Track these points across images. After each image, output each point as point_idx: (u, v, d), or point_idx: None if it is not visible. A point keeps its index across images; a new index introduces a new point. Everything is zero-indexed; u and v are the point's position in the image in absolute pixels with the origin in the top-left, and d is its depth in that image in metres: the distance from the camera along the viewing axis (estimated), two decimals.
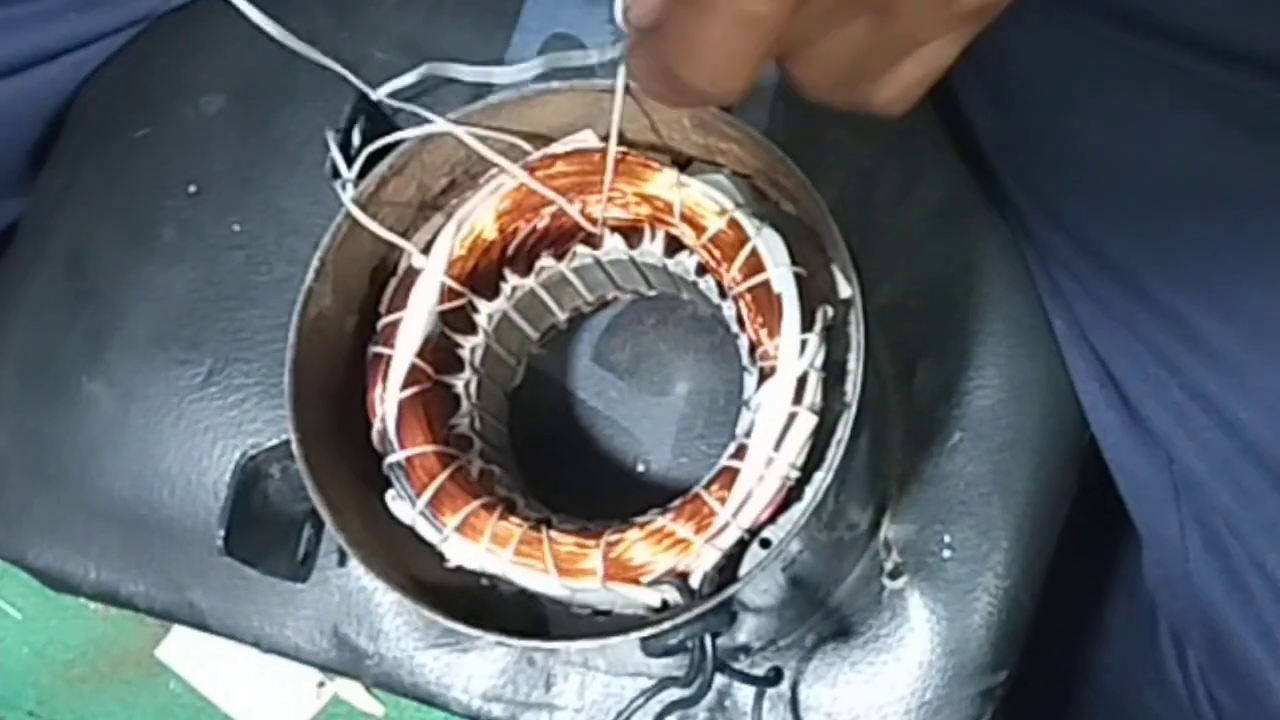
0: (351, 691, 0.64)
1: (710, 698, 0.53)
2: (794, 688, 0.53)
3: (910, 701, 0.53)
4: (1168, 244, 0.49)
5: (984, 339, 0.55)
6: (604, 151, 0.45)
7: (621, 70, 0.43)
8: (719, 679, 0.42)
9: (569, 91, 0.45)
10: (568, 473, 0.54)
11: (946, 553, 0.53)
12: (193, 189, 0.60)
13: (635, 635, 0.41)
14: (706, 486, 0.44)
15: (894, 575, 0.53)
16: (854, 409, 0.42)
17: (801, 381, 0.43)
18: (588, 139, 0.46)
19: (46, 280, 0.60)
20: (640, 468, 0.54)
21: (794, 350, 0.43)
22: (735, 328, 0.45)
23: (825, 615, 0.53)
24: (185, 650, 0.64)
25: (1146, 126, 0.49)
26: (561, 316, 0.53)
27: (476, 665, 0.55)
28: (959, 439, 0.54)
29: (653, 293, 0.53)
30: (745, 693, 0.53)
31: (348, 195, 0.45)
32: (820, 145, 0.56)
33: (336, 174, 0.45)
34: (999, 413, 0.54)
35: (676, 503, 0.44)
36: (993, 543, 0.53)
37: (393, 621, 0.56)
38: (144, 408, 0.58)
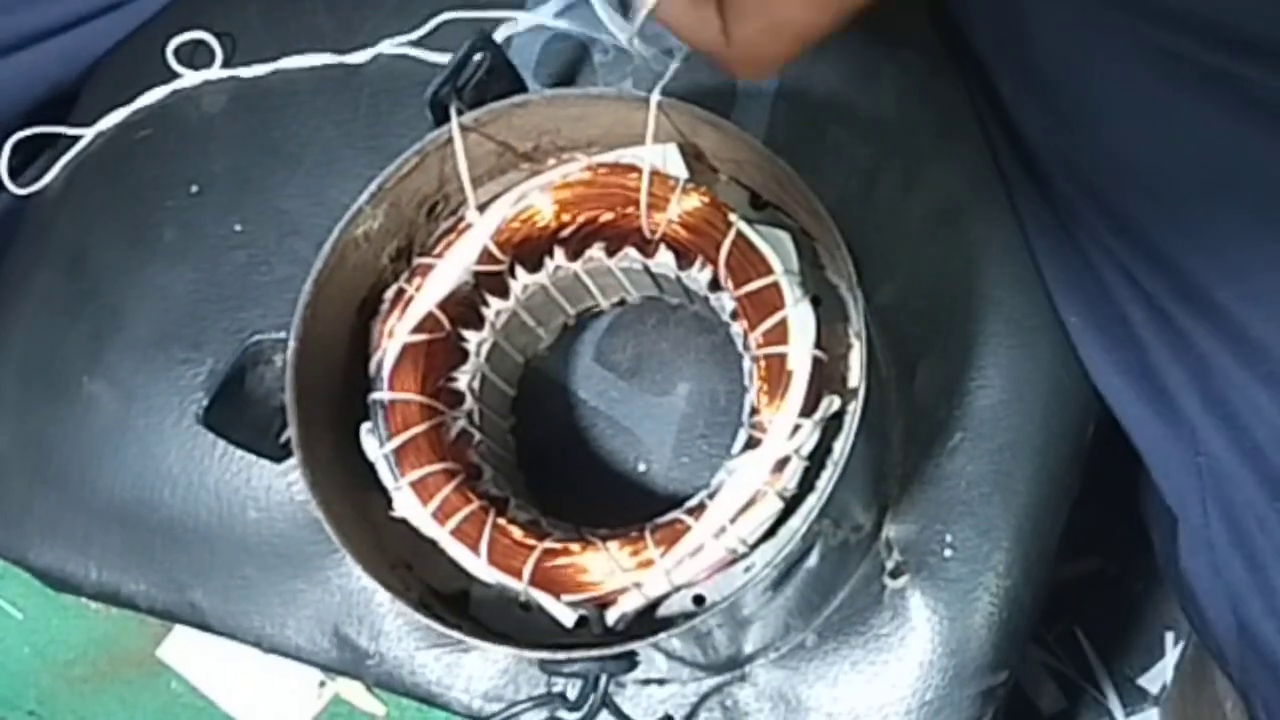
0: (352, 691, 0.64)
1: (714, 698, 0.53)
2: (795, 687, 0.53)
3: (911, 701, 0.53)
4: (1205, 233, 0.49)
5: (985, 339, 0.55)
6: (667, 174, 0.46)
7: (655, 96, 0.43)
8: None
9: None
10: (569, 472, 0.54)
11: (948, 552, 0.53)
12: (194, 189, 0.60)
13: (534, 656, 0.42)
14: (654, 531, 0.44)
15: (895, 575, 0.53)
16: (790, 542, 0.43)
17: (782, 464, 0.43)
18: (671, 153, 0.46)
19: (48, 281, 0.60)
20: (641, 467, 0.54)
21: (786, 431, 0.43)
22: (745, 380, 0.45)
23: (827, 615, 0.53)
24: (186, 650, 0.64)
25: (1172, 116, 0.49)
26: (572, 311, 0.53)
27: (477, 665, 0.55)
28: (960, 439, 0.54)
29: (675, 301, 0.53)
30: (747, 693, 0.53)
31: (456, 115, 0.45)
32: (820, 146, 0.56)
33: (435, 95, 0.45)
34: (1000, 413, 0.54)
35: (629, 531, 0.45)
36: (994, 542, 0.53)
37: (393, 622, 0.56)
38: (145, 408, 0.58)
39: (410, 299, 0.46)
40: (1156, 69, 0.49)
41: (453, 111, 0.45)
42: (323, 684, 0.64)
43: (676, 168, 0.46)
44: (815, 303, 0.44)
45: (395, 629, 0.56)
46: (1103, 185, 0.52)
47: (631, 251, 0.47)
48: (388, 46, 0.58)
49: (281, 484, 0.56)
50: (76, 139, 0.61)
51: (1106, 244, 0.52)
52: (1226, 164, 0.48)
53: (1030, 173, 0.55)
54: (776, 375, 0.44)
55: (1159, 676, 0.82)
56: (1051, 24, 0.51)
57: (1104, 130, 0.51)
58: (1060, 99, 0.52)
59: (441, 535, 0.45)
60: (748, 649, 0.53)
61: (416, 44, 0.57)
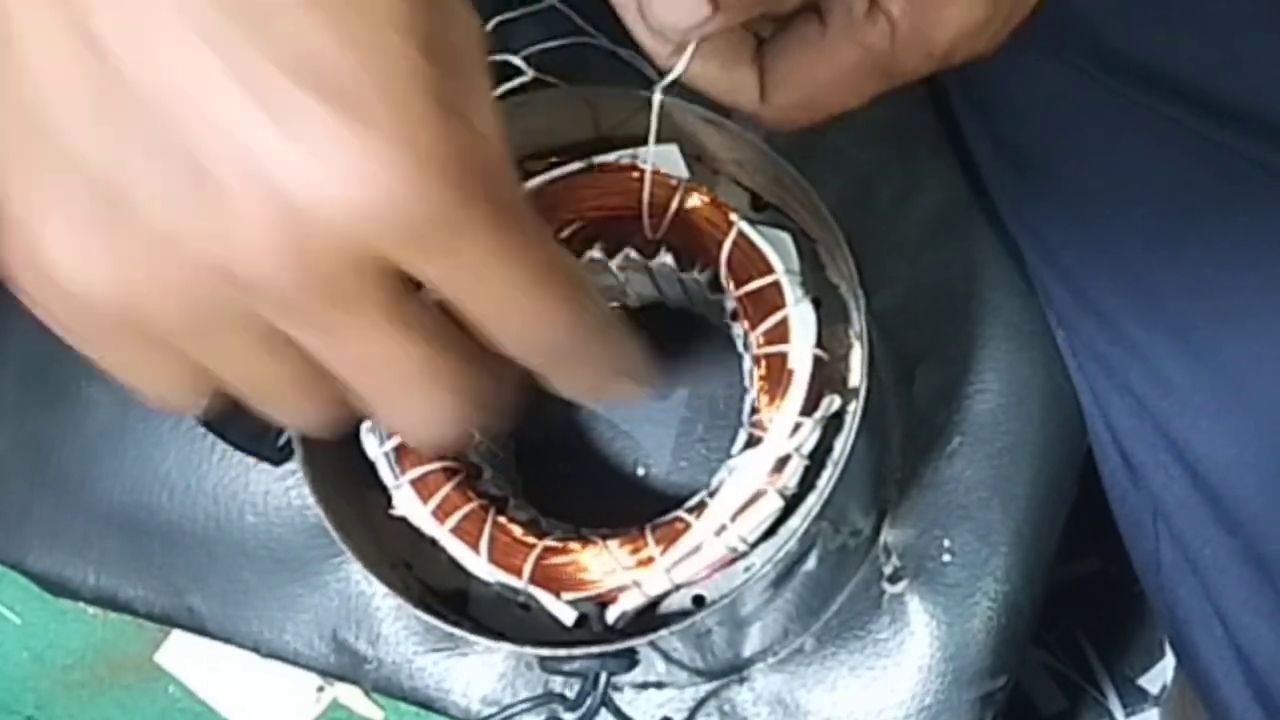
0: (351, 696, 0.64)
1: (712, 701, 0.53)
2: (793, 691, 0.53)
3: (910, 706, 0.53)
4: (1141, 284, 0.49)
5: (984, 344, 0.55)
6: (668, 174, 0.46)
7: (657, 96, 0.43)
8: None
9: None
10: (568, 474, 0.54)
11: (946, 557, 0.53)
12: None
13: (534, 653, 0.42)
14: (655, 530, 0.44)
15: (894, 580, 0.53)
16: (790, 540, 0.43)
17: (782, 462, 0.43)
18: (673, 154, 0.46)
19: None
20: (640, 471, 0.54)
21: (786, 430, 0.43)
22: (746, 381, 0.45)
23: (826, 619, 0.53)
24: (184, 655, 0.64)
25: (1124, 164, 0.50)
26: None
27: (476, 669, 0.55)
28: (959, 444, 0.54)
29: (674, 304, 0.53)
30: (745, 697, 0.53)
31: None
32: (819, 150, 0.56)
33: None
34: (999, 417, 0.54)
35: (630, 529, 0.45)
36: (992, 547, 0.53)
37: (392, 626, 0.56)
38: (143, 412, 0.58)
39: None
40: (1115, 115, 0.49)
41: None
42: (321, 689, 0.64)
43: (677, 168, 0.46)
44: (816, 304, 0.44)
45: (393, 633, 0.56)
46: (1045, 230, 0.52)
47: (631, 252, 0.47)
48: None
49: (279, 489, 0.56)
50: None
51: (1048, 288, 0.53)
52: (1177, 216, 0.48)
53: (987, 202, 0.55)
54: (777, 374, 0.44)
55: (1159, 676, 0.82)
56: (1016, 62, 0.51)
57: (1055, 173, 0.51)
58: (1017, 136, 0.52)
59: (441, 533, 0.44)
60: (746, 653, 0.52)
61: None
